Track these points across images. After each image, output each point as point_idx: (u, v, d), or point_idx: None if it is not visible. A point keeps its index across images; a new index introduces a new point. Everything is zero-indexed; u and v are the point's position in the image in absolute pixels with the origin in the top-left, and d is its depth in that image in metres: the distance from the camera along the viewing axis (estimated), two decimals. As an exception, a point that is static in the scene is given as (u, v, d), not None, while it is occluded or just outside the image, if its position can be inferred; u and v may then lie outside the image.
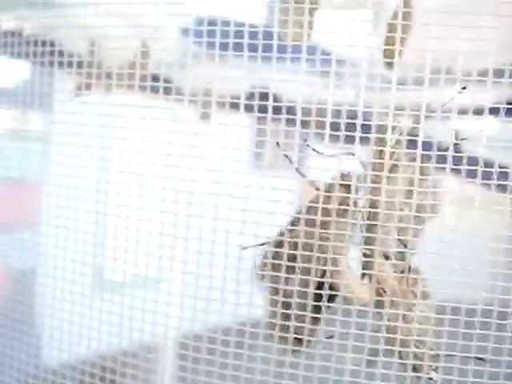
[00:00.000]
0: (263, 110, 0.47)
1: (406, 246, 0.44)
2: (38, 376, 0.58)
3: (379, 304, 0.45)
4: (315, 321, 0.47)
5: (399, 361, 0.44)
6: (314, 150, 0.46)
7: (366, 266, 0.45)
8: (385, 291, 0.44)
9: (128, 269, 0.52)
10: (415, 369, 0.44)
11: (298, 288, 0.46)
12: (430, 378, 0.44)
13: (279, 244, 0.47)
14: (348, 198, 0.46)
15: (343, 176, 0.46)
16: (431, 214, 0.44)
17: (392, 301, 0.44)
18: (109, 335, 0.53)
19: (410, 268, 0.45)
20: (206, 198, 0.48)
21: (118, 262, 0.52)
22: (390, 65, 0.44)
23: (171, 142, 0.50)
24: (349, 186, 0.46)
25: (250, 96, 0.48)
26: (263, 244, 0.47)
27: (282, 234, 0.47)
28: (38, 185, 0.57)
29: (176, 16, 0.50)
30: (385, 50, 0.44)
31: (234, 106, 0.48)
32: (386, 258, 0.45)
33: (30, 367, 0.58)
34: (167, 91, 0.50)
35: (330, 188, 0.46)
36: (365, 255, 0.45)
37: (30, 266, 0.58)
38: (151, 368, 0.55)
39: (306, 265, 0.46)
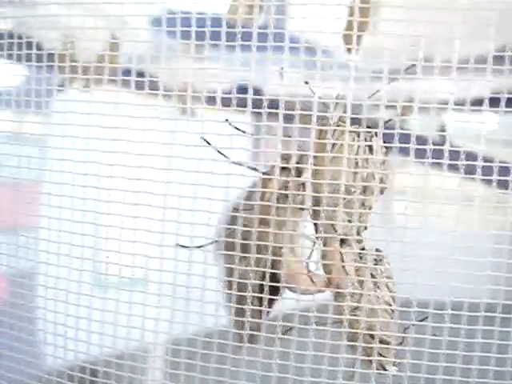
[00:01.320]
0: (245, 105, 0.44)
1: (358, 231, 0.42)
2: (40, 378, 0.57)
3: (338, 295, 0.42)
4: (258, 313, 0.44)
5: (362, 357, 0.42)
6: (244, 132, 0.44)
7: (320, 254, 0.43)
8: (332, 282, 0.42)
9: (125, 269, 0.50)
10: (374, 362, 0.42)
11: (240, 279, 0.44)
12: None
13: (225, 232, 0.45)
14: (288, 181, 0.43)
15: (283, 157, 0.43)
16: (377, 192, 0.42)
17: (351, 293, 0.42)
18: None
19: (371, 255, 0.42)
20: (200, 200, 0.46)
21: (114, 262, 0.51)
22: (349, 51, 0.41)
23: (161, 141, 0.47)
24: (288, 168, 0.43)
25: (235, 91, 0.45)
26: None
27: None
28: (37, 186, 0.56)
29: (146, 6, 0.47)
30: (344, 35, 0.41)
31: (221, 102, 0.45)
32: (342, 243, 0.42)
33: (31, 369, 0.57)
34: (144, 86, 0.48)
35: (270, 171, 0.43)
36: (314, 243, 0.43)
37: (30, 267, 0.56)
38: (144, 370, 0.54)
39: (245, 254, 0.44)
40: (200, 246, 0.46)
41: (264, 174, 0.45)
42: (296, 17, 0.44)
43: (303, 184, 0.43)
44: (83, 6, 0.50)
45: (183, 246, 0.46)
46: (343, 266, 0.42)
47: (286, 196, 0.44)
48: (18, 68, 0.54)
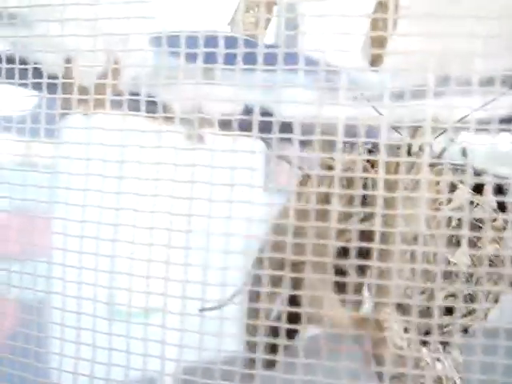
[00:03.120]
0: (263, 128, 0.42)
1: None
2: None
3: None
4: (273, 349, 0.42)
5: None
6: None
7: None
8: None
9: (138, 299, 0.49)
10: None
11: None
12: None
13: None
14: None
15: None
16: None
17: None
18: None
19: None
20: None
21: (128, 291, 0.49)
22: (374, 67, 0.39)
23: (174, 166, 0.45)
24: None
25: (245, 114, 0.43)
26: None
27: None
28: (49, 214, 0.54)
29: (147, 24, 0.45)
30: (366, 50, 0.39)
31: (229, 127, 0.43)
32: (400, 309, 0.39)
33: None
34: (153, 110, 0.46)
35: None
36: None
37: (41, 297, 0.55)
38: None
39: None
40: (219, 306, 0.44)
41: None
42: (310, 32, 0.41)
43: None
44: (83, 26, 0.48)
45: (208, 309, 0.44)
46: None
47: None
48: (27, 93, 0.52)
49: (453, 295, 0.38)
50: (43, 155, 0.52)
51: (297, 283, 0.41)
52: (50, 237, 0.54)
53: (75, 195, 0.50)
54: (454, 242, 0.38)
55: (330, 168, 0.40)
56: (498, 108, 0.37)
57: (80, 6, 0.46)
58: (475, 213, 0.38)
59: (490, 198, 0.39)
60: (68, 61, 0.49)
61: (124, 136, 0.46)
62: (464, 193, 0.38)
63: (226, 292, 0.46)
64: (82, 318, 0.51)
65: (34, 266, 0.54)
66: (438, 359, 0.41)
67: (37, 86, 0.50)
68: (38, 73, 0.50)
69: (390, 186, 0.38)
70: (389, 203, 0.38)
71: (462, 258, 0.39)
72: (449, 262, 0.39)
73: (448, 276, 0.38)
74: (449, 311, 0.38)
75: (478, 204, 0.39)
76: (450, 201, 0.38)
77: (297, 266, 0.40)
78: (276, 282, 0.41)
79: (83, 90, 0.48)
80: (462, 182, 0.38)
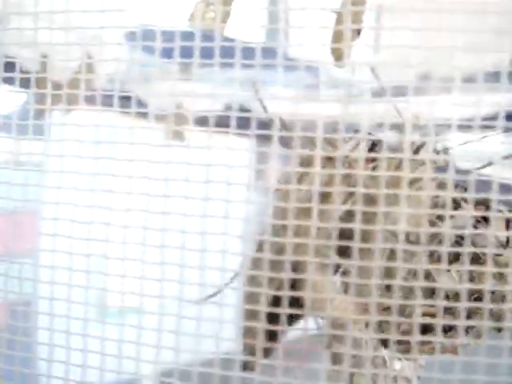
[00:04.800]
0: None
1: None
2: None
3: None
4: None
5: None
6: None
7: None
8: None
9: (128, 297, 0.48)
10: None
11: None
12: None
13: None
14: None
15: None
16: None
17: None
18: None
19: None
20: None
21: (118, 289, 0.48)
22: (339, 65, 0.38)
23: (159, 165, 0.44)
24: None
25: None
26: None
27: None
28: (35, 213, 0.53)
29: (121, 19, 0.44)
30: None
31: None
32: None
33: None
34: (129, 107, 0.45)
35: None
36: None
37: (29, 296, 0.54)
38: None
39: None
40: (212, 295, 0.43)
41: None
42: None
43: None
44: (56, 21, 0.47)
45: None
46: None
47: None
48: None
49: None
50: (20, 152, 0.51)
51: (297, 268, 0.40)
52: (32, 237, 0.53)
53: (49, 193, 0.49)
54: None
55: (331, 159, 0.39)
56: (482, 106, 0.37)
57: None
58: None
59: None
60: (44, 56, 0.48)
61: (100, 133, 0.45)
62: (468, 212, 0.37)
63: (204, 291, 0.45)
64: (56, 320, 0.50)
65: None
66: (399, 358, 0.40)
67: (21, 84, 0.49)
68: (11, 67, 0.49)
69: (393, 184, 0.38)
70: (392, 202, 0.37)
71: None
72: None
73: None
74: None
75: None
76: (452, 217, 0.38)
77: (298, 250, 0.39)
78: (275, 266, 0.40)
79: (58, 86, 0.47)
80: (465, 200, 0.37)
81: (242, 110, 0.41)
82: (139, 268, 0.45)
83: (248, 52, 0.41)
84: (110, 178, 0.45)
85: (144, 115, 0.45)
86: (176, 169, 0.43)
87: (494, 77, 0.36)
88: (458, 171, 0.37)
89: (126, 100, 0.45)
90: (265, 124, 0.41)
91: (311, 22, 0.40)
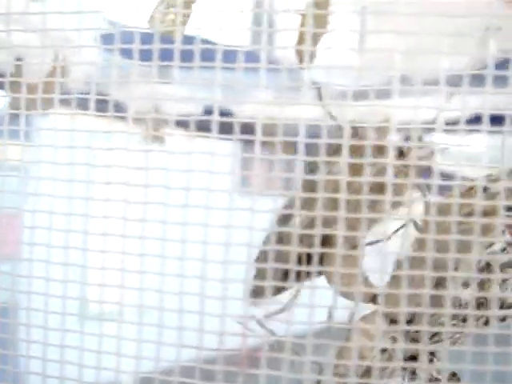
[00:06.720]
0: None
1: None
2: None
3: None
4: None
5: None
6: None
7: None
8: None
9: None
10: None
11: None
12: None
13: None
14: None
15: None
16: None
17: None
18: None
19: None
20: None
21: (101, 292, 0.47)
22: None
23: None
24: None
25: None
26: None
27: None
28: (17, 215, 0.52)
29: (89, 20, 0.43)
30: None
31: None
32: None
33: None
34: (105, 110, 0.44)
35: None
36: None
37: (11, 299, 0.53)
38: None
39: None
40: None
41: None
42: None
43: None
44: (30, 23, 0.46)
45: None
46: None
47: None
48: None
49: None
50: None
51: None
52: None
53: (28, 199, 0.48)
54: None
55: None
56: (466, 108, 0.36)
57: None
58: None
59: None
60: (19, 59, 0.47)
61: (76, 137, 0.45)
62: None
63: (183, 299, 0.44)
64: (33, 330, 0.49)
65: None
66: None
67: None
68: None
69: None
70: None
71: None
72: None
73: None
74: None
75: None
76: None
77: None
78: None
79: (32, 89, 0.46)
80: None
81: (223, 113, 0.41)
82: (118, 275, 0.45)
83: (230, 55, 0.40)
84: (87, 184, 0.44)
85: (122, 118, 0.44)
86: (155, 174, 0.42)
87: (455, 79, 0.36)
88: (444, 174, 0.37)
89: (102, 103, 0.44)
90: (247, 127, 0.40)
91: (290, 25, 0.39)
